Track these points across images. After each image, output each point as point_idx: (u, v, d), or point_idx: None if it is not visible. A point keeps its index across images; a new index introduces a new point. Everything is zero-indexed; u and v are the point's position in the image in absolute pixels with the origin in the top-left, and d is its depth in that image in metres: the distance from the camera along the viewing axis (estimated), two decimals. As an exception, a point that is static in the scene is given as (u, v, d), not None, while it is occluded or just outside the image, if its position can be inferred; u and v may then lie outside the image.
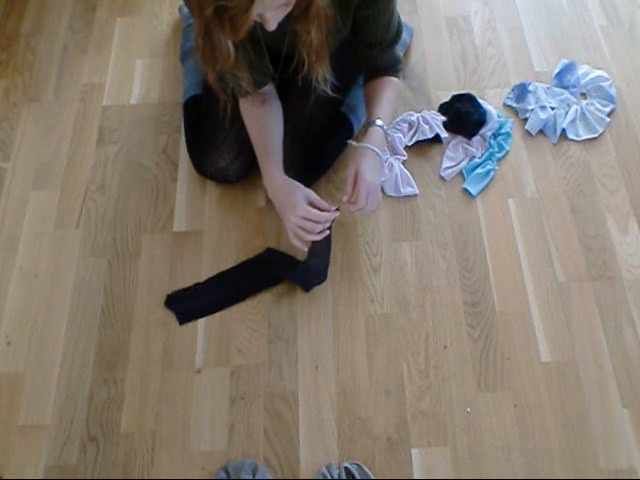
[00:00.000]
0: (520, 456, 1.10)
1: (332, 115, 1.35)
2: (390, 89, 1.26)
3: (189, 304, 1.24)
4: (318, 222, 1.13)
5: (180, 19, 1.63)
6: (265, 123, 1.23)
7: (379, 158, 1.18)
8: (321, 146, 1.33)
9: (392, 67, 1.27)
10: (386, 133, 1.21)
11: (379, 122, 1.20)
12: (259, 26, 0.99)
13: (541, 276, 1.27)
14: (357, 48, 1.23)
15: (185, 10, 1.60)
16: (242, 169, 1.32)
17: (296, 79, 1.14)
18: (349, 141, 1.23)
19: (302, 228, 1.14)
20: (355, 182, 1.15)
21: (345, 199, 1.15)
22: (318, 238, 1.15)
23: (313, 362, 1.19)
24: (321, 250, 1.23)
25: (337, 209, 1.16)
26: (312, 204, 1.15)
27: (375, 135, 1.19)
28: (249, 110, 1.23)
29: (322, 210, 1.15)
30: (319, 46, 1.04)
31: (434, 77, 1.53)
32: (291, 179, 1.19)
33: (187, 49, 1.52)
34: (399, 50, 1.29)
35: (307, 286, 1.24)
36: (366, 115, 1.27)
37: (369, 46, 1.21)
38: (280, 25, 0.97)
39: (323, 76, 1.11)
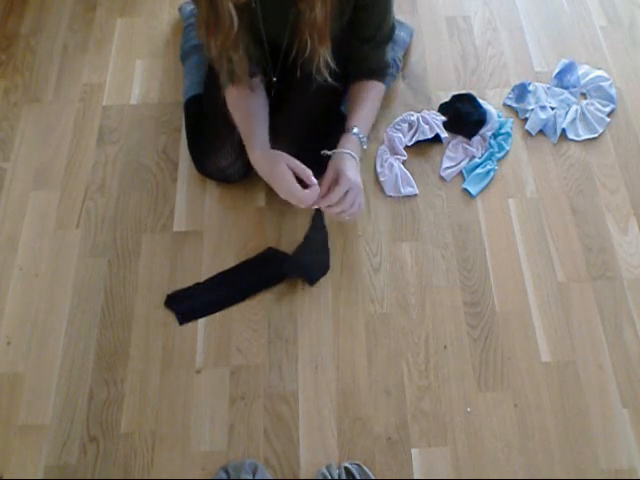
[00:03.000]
0: (520, 456, 1.10)
1: (331, 115, 1.35)
2: (373, 95, 1.26)
3: (189, 304, 1.24)
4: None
5: (180, 19, 1.63)
6: (251, 108, 1.22)
7: (356, 162, 1.18)
8: (321, 146, 1.33)
9: (381, 70, 1.27)
10: (361, 141, 1.20)
11: (355, 130, 1.19)
12: (261, 19, 0.99)
13: (541, 276, 1.27)
14: (350, 44, 1.23)
15: (185, 10, 1.60)
16: (243, 169, 1.32)
17: (295, 71, 1.14)
18: (323, 152, 1.21)
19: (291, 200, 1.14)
20: (332, 183, 1.14)
21: (317, 198, 1.13)
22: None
23: (313, 362, 1.19)
24: (316, 244, 1.23)
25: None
26: (294, 170, 1.13)
27: (350, 142, 1.19)
28: (236, 101, 1.22)
29: (305, 176, 1.13)
30: (322, 24, 1.04)
31: (434, 77, 1.53)
32: (272, 150, 1.18)
33: (187, 49, 1.52)
34: (394, 53, 1.29)
35: (311, 279, 1.24)
36: (346, 119, 1.25)
37: (362, 41, 1.21)
38: (281, 13, 0.98)
39: (325, 60, 1.10)
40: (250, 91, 1.21)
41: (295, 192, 1.12)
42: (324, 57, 1.10)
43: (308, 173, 1.13)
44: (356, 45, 1.23)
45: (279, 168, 1.13)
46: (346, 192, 1.13)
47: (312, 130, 1.31)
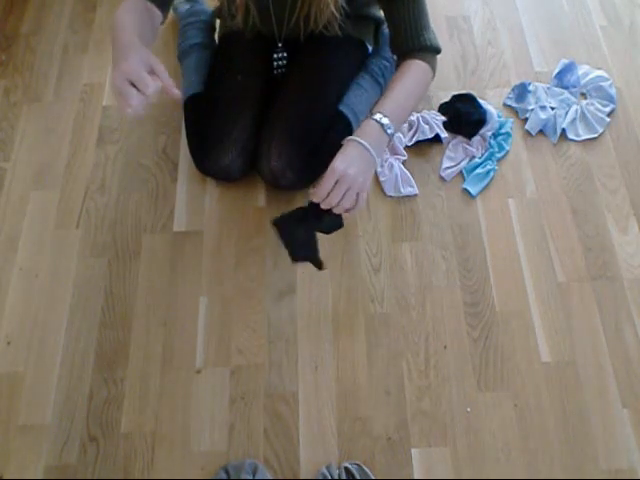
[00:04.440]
0: (520, 456, 1.10)
1: (330, 113, 1.35)
2: (410, 75, 1.12)
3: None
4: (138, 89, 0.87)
5: (176, 19, 1.62)
6: (145, 23, 1.05)
7: (364, 151, 1.03)
8: (320, 145, 1.33)
9: (419, 43, 1.15)
10: (384, 127, 1.05)
11: (377, 116, 1.05)
12: None
13: (541, 276, 1.27)
14: (385, 13, 1.19)
15: (181, 9, 1.60)
16: (244, 167, 1.32)
17: (299, 36, 1.13)
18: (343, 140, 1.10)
19: (121, 93, 0.87)
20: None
21: (311, 189, 1.03)
22: (137, 106, 0.87)
23: (313, 362, 1.19)
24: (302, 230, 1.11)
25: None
26: (153, 71, 0.90)
27: (367, 129, 1.05)
28: (136, 6, 1.05)
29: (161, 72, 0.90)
30: None
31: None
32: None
33: (185, 48, 1.52)
34: (431, 29, 1.20)
35: (293, 255, 1.12)
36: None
37: (386, 1, 1.15)
38: None
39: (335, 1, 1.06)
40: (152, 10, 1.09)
41: (124, 89, 0.86)
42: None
43: (167, 79, 0.90)
44: (386, 9, 1.17)
45: (131, 52, 0.90)
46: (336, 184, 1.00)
47: (311, 133, 1.31)
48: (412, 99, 1.14)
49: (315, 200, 1.03)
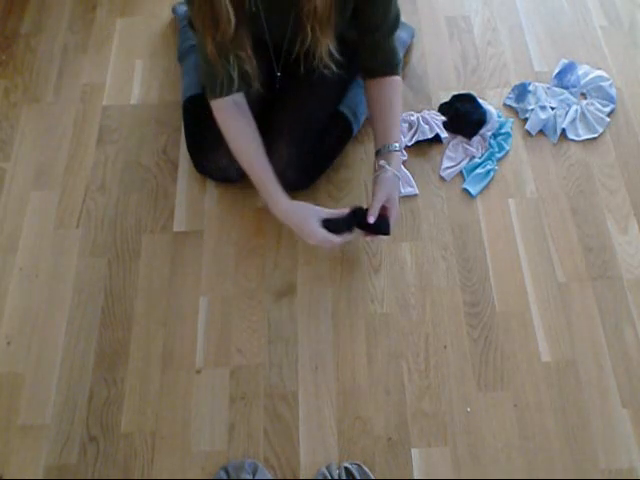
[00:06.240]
0: (520, 456, 1.10)
1: (330, 114, 1.35)
2: (396, 94, 1.24)
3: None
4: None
5: (177, 19, 1.62)
6: (252, 142, 1.20)
7: (396, 180, 1.21)
8: (320, 146, 1.33)
9: (395, 61, 1.24)
10: (402, 152, 1.24)
11: (397, 146, 1.20)
12: (263, 19, 1.02)
13: (541, 276, 1.27)
14: (360, 38, 1.22)
15: (180, 10, 1.60)
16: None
17: (299, 66, 1.15)
18: (382, 163, 1.19)
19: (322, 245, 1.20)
20: (384, 208, 1.18)
21: (372, 220, 1.17)
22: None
23: (313, 362, 1.19)
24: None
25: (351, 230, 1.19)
26: (326, 219, 1.17)
27: (397, 160, 1.20)
28: (230, 123, 1.21)
29: (337, 217, 1.19)
30: (323, 14, 1.03)
31: (434, 77, 1.53)
32: (298, 202, 1.19)
33: (185, 49, 1.52)
34: (399, 47, 1.27)
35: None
36: (377, 126, 1.23)
37: (370, 31, 1.19)
38: (283, 12, 1.02)
39: (328, 51, 1.09)
40: (237, 109, 1.19)
41: (331, 240, 1.17)
42: (327, 48, 1.08)
43: (340, 213, 1.18)
44: (366, 38, 1.20)
45: (310, 226, 1.16)
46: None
47: (312, 134, 1.31)
48: (401, 115, 1.29)
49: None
